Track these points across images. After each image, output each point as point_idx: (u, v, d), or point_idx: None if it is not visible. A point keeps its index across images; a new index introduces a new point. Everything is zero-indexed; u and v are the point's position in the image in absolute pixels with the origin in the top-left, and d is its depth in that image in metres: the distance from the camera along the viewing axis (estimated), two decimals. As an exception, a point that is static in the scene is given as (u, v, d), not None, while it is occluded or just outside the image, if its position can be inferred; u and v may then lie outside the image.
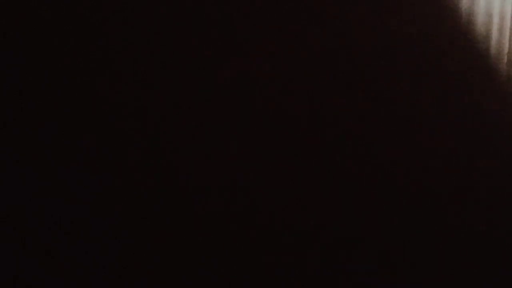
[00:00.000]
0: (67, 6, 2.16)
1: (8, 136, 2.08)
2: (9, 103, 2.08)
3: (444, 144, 2.80)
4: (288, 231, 2.51)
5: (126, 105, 2.25)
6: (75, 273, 2.16)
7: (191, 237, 2.34)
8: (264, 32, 2.46)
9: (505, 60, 2.88)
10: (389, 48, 2.66)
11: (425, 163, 2.76)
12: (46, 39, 2.13)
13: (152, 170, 2.29)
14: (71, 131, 2.17)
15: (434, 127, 2.77)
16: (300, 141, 2.53)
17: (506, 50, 2.87)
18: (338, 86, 2.59)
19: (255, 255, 2.44)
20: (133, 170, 2.26)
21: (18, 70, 2.09)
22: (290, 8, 2.49)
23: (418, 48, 2.72)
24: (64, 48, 2.16)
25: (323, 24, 2.55)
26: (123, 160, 2.25)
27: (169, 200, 2.31)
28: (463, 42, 2.79)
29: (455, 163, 2.81)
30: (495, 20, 2.83)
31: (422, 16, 2.70)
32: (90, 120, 2.20)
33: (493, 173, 2.89)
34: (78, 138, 2.18)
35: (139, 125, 2.28)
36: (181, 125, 2.34)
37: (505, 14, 2.86)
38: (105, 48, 2.21)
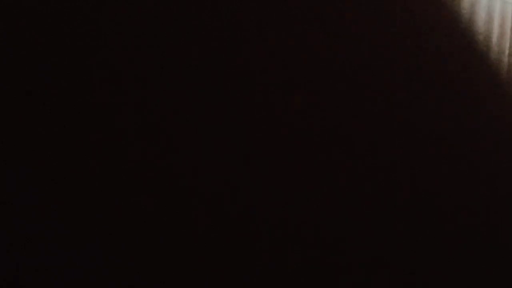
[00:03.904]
0: (67, 6, 2.15)
1: (8, 136, 2.08)
2: (9, 103, 2.08)
3: (444, 144, 2.80)
4: (288, 231, 2.51)
5: (126, 105, 2.25)
6: (75, 273, 2.16)
7: (191, 236, 2.34)
8: (264, 32, 2.46)
9: (506, 60, 2.88)
10: (389, 48, 2.66)
11: (424, 162, 2.76)
12: (46, 39, 2.13)
13: (152, 170, 2.29)
14: (71, 130, 2.17)
15: (434, 127, 2.78)
16: (300, 142, 2.53)
17: (506, 50, 2.87)
18: (338, 86, 2.59)
19: (255, 255, 2.45)
20: (132, 169, 2.26)
21: (18, 70, 2.09)
22: (290, 8, 2.49)
23: (418, 48, 2.72)
24: (64, 48, 2.16)
25: (323, 24, 2.55)
26: (122, 160, 2.25)
27: (169, 200, 2.31)
28: (463, 42, 2.79)
29: (455, 162, 2.82)
30: (496, 20, 2.83)
31: (423, 16, 2.70)
32: (90, 120, 2.20)
33: (493, 172, 2.89)
34: (78, 138, 2.18)
35: (139, 125, 2.28)
36: (181, 125, 2.34)
37: (505, 14, 2.86)
38: (105, 48, 2.21)
